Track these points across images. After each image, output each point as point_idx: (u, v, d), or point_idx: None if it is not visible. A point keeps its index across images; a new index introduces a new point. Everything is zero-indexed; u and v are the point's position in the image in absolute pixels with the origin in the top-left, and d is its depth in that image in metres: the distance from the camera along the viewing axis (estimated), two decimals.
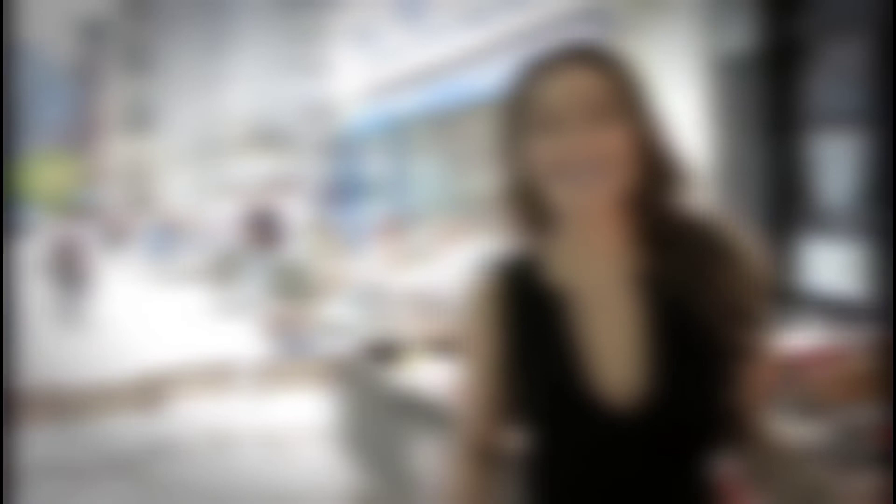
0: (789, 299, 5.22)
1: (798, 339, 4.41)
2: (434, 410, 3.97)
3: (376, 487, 4.76)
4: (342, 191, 13.94)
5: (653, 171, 1.26)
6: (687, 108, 5.69)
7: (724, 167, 5.58)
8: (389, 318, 6.87)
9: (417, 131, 11.66)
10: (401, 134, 12.05)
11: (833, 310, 4.83)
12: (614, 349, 1.25)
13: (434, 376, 4.25)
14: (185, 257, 19.53)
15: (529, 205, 1.32)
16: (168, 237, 21.62)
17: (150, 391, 7.27)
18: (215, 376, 7.61)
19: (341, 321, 8.40)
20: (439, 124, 10.92)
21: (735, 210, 5.39)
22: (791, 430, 3.02)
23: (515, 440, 1.33)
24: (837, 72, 5.22)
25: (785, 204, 5.41)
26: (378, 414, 4.68)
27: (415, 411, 4.22)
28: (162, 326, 12.72)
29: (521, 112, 1.27)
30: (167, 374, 7.54)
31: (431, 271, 7.34)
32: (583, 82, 1.24)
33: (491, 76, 7.16)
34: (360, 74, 12.72)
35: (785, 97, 5.37)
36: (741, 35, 5.40)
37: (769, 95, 5.40)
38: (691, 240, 1.27)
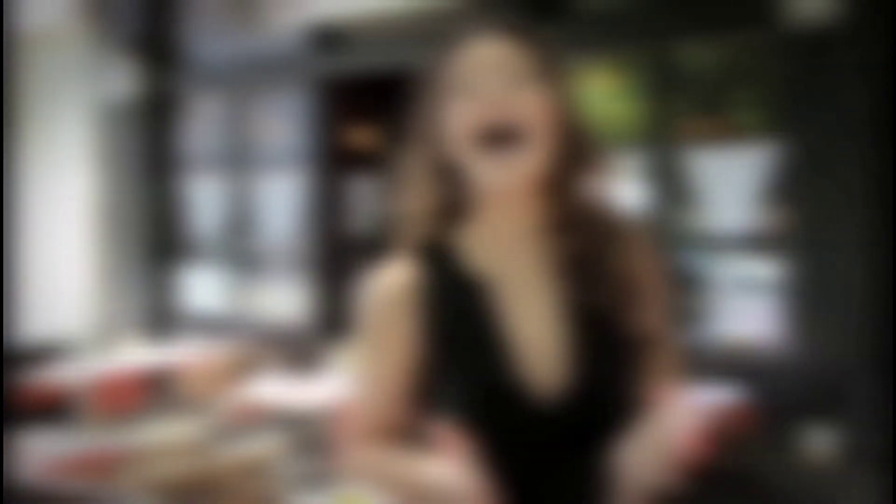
0: (170, 319, 5.87)
1: (176, 350, 5.12)
2: None
3: None
4: None
5: (569, 148, 1.22)
6: (77, 150, 6.00)
7: (111, 205, 5.94)
8: None
9: None
10: None
11: (205, 324, 5.58)
12: (534, 337, 1.19)
13: None
14: None
15: (446, 186, 1.24)
16: None
17: None
18: None
19: None
20: None
21: (120, 244, 5.85)
22: (171, 427, 3.65)
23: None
24: (203, 121, 5.95)
25: (163, 236, 5.95)
26: None
27: None
28: None
29: (438, 84, 1.23)
30: None
31: None
32: (499, 50, 1.21)
33: None
34: None
35: (161, 142, 5.94)
36: (123, 85, 5.85)
37: (148, 140, 5.91)
38: (597, 226, 1.23)
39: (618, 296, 1.20)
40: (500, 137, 1.17)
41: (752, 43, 4.24)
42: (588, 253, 1.22)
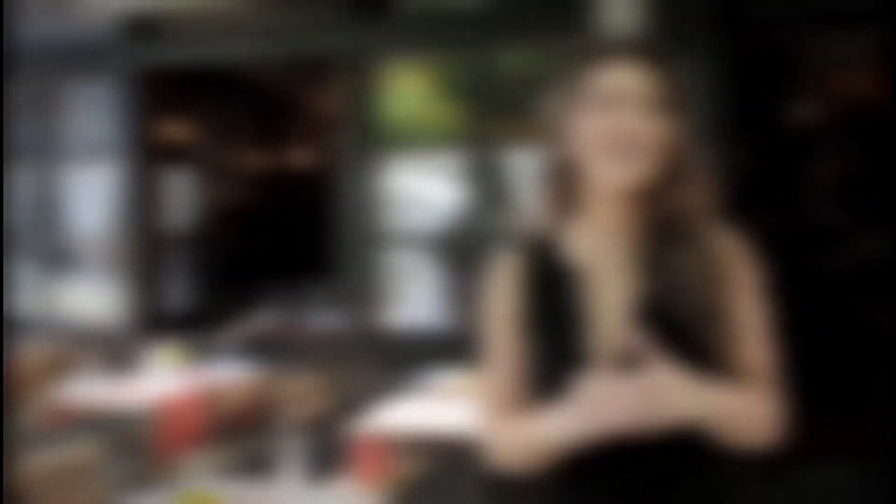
0: None
1: None
2: None
3: None
4: None
5: (674, 166, 1.39)
6: None
7: None
8: None
9: None
10: None
11: (12, 324, 5.31)
12: (613, 318, 1.38)
13: None
14: None
15: (566, 182, 1.42)
16: None
17: None
18: None
19: None
20: None
21: None
22: None
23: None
24: (10, 108, 5.66)
25: None
26: None
27: None
28: None
29: (578, 92, 1.39)
30: None
31: None
32: (639, 73, 1.37)
33: None
34: None
35: None
36: None
37: None
38: (686, 234, 1.40)
39: (684, 282, 1.38)
40: (622, 149, 1.35)
41: (565, 49, 4.44)
42: (665, 248, 1.39)
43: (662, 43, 1.49)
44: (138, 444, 3.60)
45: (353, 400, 3.66)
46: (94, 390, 4.05)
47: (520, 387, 1.43)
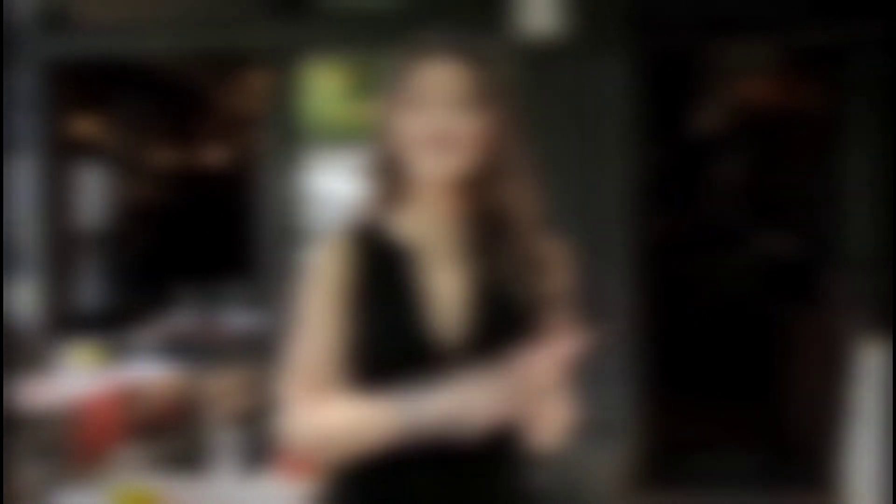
0: None
1: None
2: None
3: None
4: None
5: (494, 158, 1.47)
6: None
7: None
8: None
9: None
10: None
11: None
12: (442, 296, 1.46)
13: None
14: None
15: (392, 174, 1.50)
16: None
17: None
18: None
19: None
20: None
21: None
22: None
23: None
24: None
25: None
26: None
27: None
28: None
29: (399, 90, 1.47)
30: None
31: None
32: (454, 72, 1.45)
33: None
34: None
35: None
36: None
37: None
38: (504, 219, 1.49)
39: (512, 271, 1.48)
40: (440, 144, 1.44)
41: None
42: (492, 238, 1.49)
43: (481, 40, 1.52)
44: (56, 445, 3.55)
45: (275, 397, 3.66)
46: (7, 392, 3.97)
47: (334, 366, 1.47)
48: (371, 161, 1.53)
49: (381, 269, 1.48)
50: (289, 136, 4.78)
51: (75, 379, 4.01)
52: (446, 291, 1.46)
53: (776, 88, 6.20)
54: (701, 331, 6.03)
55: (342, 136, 4.84)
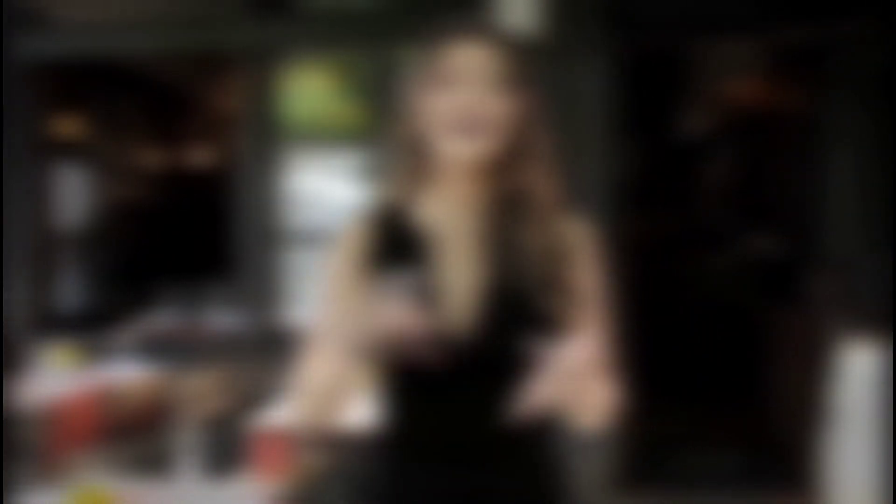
0: None
1: None
2: None
3: None
4: None
5: (521, 142, 1.46)
6: None
7: None
8: None
9: None
10: None
11: None
12: (457, 285, 1.43)
13: None
14: None
15: (417, 158, 1.48)
16: None
17: None
18: None
19: None
20: None
21: None
22: None
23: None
24: None
25: None
26: None
27: None
28: None
29: (427, 73, 1.45)
30: None
31: None
32: (486, 53, 1.43)
33: None
34: None
35: None
36: None
37: None
38: (529, 206, 1.47)
39: (532, 258, 1.44)
40: (467, 125, 1.42)
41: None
42: (514, 223, 1.47)
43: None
44: (30, 446, 3.51)
45: (253, 397, 3.64)
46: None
47: (349, 342, 1.43)
48: (395, 145, 1.51)
49: (399, 255, 1.45)
50: (270, 137, 4.75)
51: (51, 379, 3.98)
52: (463, 280, 1.45)
53: (759, 89, 6.20)
54: (684, 331, 6.03)
55: (323, 137, 4.81)
